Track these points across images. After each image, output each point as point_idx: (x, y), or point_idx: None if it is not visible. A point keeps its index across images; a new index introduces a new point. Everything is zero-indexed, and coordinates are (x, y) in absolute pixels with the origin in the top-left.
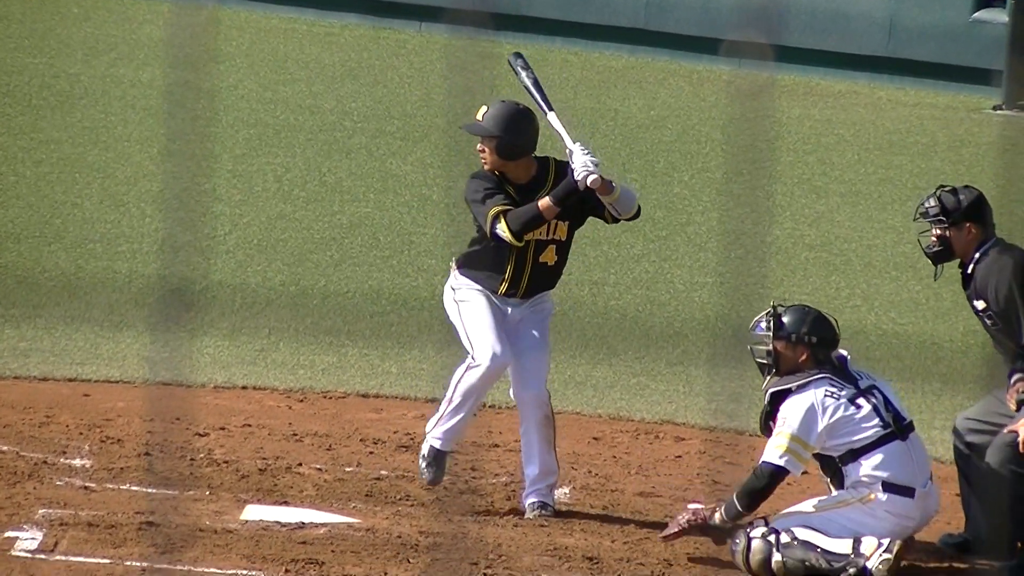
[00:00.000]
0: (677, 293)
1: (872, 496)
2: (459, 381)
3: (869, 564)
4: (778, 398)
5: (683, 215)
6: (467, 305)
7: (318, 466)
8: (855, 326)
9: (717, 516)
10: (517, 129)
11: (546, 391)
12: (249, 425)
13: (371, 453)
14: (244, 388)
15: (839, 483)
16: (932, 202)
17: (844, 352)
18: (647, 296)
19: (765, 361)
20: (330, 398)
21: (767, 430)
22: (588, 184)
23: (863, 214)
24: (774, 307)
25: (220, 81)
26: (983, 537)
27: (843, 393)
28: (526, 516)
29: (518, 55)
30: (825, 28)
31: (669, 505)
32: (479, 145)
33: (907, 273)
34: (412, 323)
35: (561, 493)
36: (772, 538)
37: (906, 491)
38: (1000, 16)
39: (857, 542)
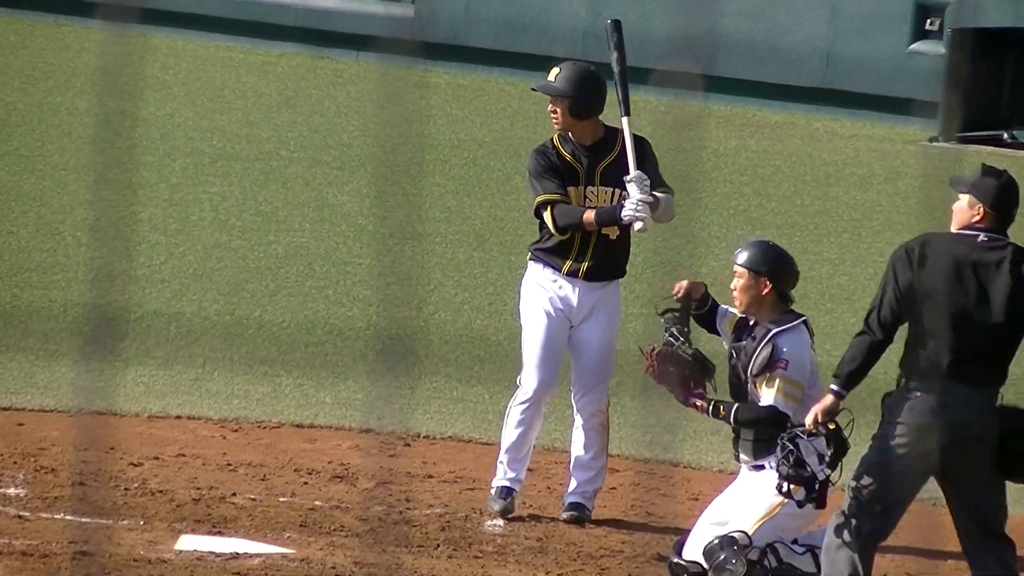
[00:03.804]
0: None
1: None
2: (508, 413)
3: None
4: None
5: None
6: (527, 319)
7: (252, 496)
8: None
9: (712, 408)
10: (587, 90)
11: (606, 397)
12: (183, 455)
13: (305, 483)
14: (178, 418)
15: (769, 447)
16: None
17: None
18: None
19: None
20: (264, 428)
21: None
22: (635, 229)
23: (799, 246)
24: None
25: (157, 110)
26: None
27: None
28: (561, 515)
29: (616, 25)
30: (762, 59)
31: (603, 536)
32: (550, 106)
33: (842, 305)
34: (347, 353)
35: (494, 525)
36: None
37: None
38: (937, 48)
39: (816, 556)
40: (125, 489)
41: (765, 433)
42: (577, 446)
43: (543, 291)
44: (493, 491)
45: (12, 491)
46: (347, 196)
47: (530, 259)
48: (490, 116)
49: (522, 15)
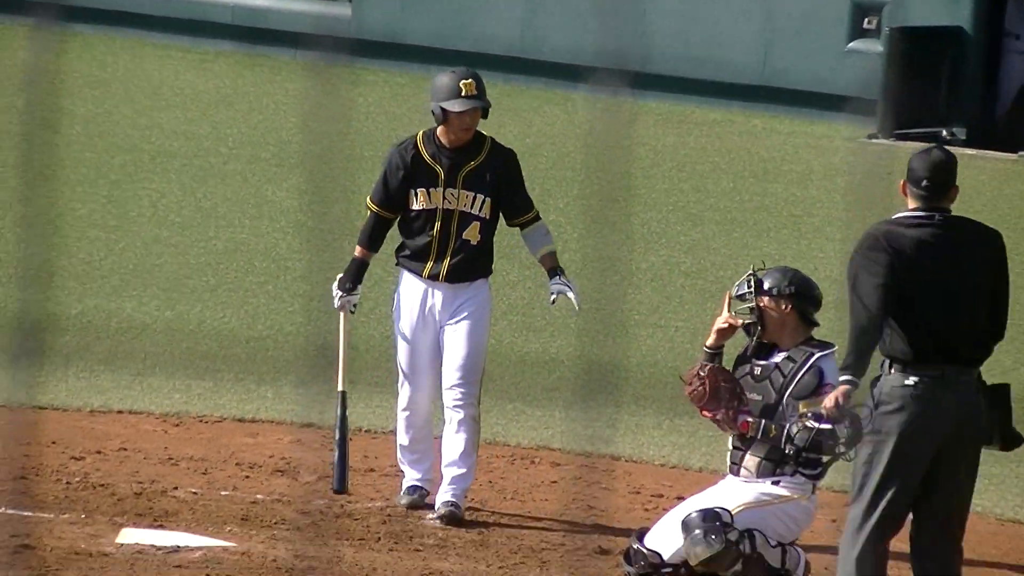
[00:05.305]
0: (552, 319)
1: (806, 498)
2: (396, 418)
3: None
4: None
5: (558, 243)
6: (398, 330)
7: (194, 490)
8: (731, 353)
9: (764, 427)
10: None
11: (475, 392)
12: (125, 449)
13: (247, 477)
14: (120, 412)
15: (776, 469)
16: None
17: None
18: (523, 322)
19: (751, 319)
20: (206, 422)
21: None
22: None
23: (738, 241)
24: (754, 270)
25: (95, 107)
26: None
27: None
28: (434, 514)
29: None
30: (699, 56)
31: (544, 530)
32: (468, 120)
33: None
34: (288, 348)
35: (435, 519)
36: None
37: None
38: (875, 46)
39: (785, 553)
40: (67, 483)
41: (778, 453)
42: (448, 444)
43: (409, 299)
44: (402, 490)
45: None
46: (285, 192)
47: (396, 265)
48: (427, 113)
49: (458, 14)
